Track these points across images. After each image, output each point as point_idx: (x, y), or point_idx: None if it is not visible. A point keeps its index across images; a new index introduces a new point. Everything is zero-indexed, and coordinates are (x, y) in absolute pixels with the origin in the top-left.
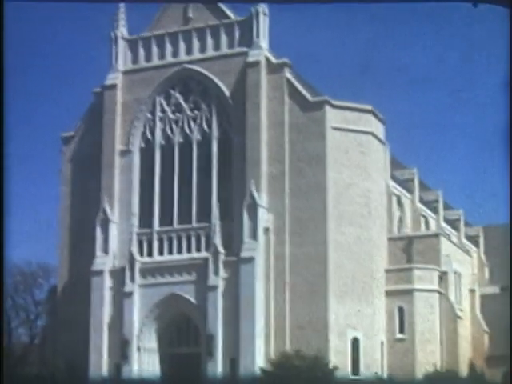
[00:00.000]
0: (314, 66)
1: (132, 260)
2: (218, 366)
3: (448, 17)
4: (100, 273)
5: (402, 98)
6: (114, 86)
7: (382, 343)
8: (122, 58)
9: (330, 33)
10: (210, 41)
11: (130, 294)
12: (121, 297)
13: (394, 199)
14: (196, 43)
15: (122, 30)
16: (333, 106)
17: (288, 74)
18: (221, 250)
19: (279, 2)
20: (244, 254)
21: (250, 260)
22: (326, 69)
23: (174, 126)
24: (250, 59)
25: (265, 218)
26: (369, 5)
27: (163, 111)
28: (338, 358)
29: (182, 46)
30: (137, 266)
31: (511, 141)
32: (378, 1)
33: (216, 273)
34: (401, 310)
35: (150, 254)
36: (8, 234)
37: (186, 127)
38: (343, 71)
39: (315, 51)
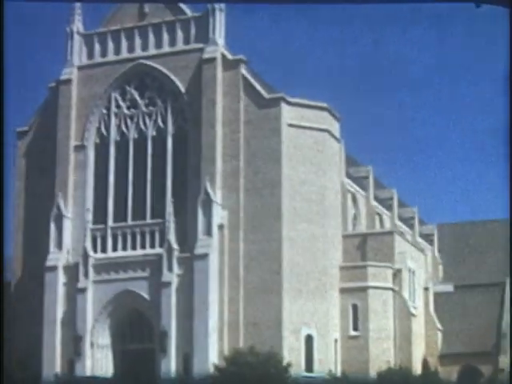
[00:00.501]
0: (271, 64)
1: (86, 256)
2: (171, 362)
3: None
4: (54, 268)
5: (359, 97)
6: (69, 81)
7: (335, 340)
8: (78, 53)
9: (295, 31)
10: (165, 37)
11: (84, 290)
12: (74, 293)
13: (349, 196)
14: (152, 39)
15: (78, 25)
16: (288, 103)
17: (244, 71)
18: (175, 246)
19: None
20: (198, 250)
21: (204, 256)
22: (284, 67)
23: (129, 122)
24: (206, 55)
25: (219, 214)
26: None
27: (118, 107)
28: (292, 355)
29: (137, 41)
30: (90, 262)
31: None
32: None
33: (170, 269)
34: (355, 307)
35: (103, 249)
36: None
37: (141, 123)
38: (303, 70)
39: (272, 49)
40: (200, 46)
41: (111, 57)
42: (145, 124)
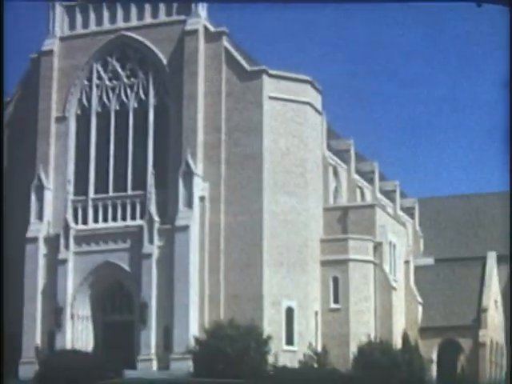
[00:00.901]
0: (253, 37)
1: (67, 227)
2: (151, 334)
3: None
4: (34, 240)
5: (341, 70)
6: (50, 52)
7: (316, 313)
8: (60, 24)
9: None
10: (148, 8)
11: (65, 262)
12: (55, 264)
13: (330, 169)
14: (134, 10)
15: None
16: (270, 76)
17: (226, 44)
18: (156, 218)
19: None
20: (179, 222)
21: (185, 228)
22: (266, 40)
23: (110, 94)
24: (188, 27)
25: (200, 186)
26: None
27: (100, 78)
28: (272, 328)
29: (119, 12)
30: (71, 234)
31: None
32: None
33: (151, 241)
34: (335, 280)
35: (84, 221)
36: None
37: (123, 95)
38: (284, 43)
39: (256, 22)
40: (182, 17)
41: (93, 28)
42: (126, 96)
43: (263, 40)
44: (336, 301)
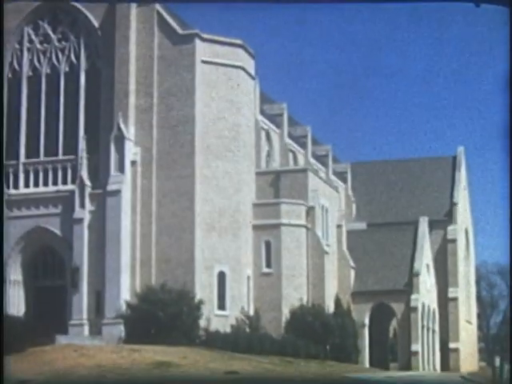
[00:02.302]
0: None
1: None
2: (83, 298)
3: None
4: None
5: (274, 33)
6: None
7: (248, 277)
8: None
9: None
10: None
11: None
12: None
13: (263, 134)
14: None
15: None
16: (203, 40)
17: (158, 7)
18: (87, 182)
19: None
20: (110, 187)
21: (117, 193)
22: (198, 4)
23: (41, 57)
24: None
25: (132, 151)
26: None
27: (31, 41)
28: (204, 292)
29: None
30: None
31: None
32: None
33: (82, 206)
34: (268, 244)
35: (15, 186)
36: None
37: (54, 58)
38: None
39: None
40: None
41: None
42: (57, 59)
43: (196, 5)
44: (268, 265)
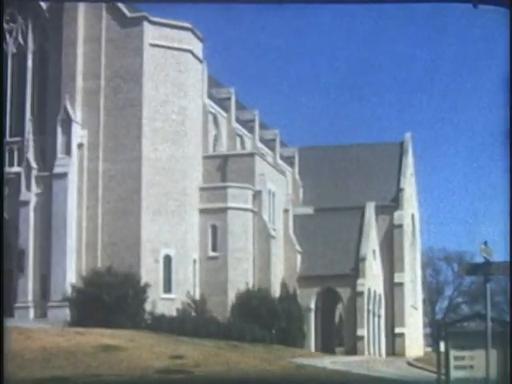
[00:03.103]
0: None
1: None
2: (28, 281)
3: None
4: None
5: (225, 17)
6: None
7: (194, 261)
8: None
9: None
10: None
11: None
12: None
13: (210, 118)
14: None
15: None
16: (151, 23)
17: None
18: (34, 165)
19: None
20: (57, 169)
21: (63, 176)
22: None
23: None
24: None
25: (79, 133)
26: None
27: None
28: (150, 276)
29: None
30: None
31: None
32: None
33: (28, 188)
34: (214, 228)
35: None
36: None
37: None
38: None
39: None
40: None
41: None
42: (5, 41)
43: None
44: (214, 249)
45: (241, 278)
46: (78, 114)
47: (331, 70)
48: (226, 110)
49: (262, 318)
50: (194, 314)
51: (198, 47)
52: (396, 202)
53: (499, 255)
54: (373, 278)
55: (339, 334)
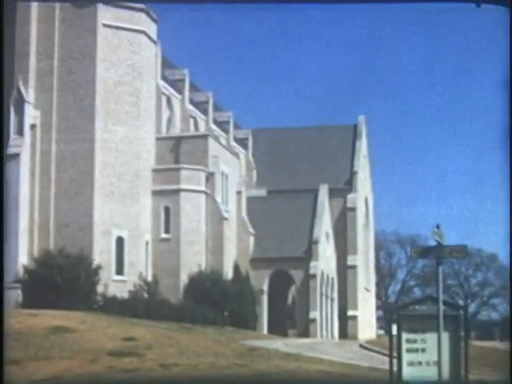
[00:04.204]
0: None
1: None
2: None
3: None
4: None
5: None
6: None
7: (146, 243)
8: None
9: None
10: None
11: None
12: None
13: (164, 99)
14: None
15: None
16: (105, 3)
17: None
18: None
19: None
20: (10, 150)
21: (16, 157)
22: None
23: None
24: None
25: (32, 114)
26: None
27: None
28: (103, 257)
29: None
30: None
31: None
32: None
33: None
34: (167, 209)
35: None
36: None
37: None
38: None
39: None
40: None
41: None
42: None
43: None
44: (167, 231)
45: (193, 259)
46: (30, 94)
47: (286, 50)
48: (180, 91)
49: (215, 299)
50: (146, 295)
51: (152, 28)
52: (349, 185)
53: (454, 238)
54: (326, 261)
55: (292, 317)
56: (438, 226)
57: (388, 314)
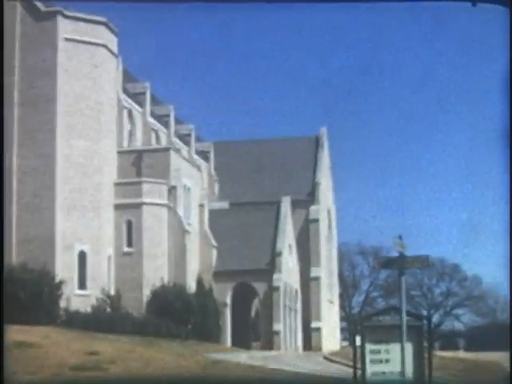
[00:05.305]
0: None
1: None
2: None
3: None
4: None
5: (139, 11)
6: None
7: (109, 257)
8: None
9: None
10: None
11: None
12: None
13: (125, 112)
14: None
15: None
16: (66, 17)
17: None
18: None
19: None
20: None
21: None
22: None
23: None
24: None
25: None
26: None
27: None
28: (65, 272)
29: None
30: None
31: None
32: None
33: None
34: (129, 223)
35: None
36: None
37: None
38: None
39: None
40: None
41: None
42: None
43: None
44: (129, 244)
45: (156, 273)
46: None
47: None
48: (141, 104)
49: (178, 313)
50: (108, 309)
51: (112, 41)
52: (312, 197)
53: (416, 249)
54: (289, 273)
55: (255, 329)
56: (400, 237)
57: (352, 325)
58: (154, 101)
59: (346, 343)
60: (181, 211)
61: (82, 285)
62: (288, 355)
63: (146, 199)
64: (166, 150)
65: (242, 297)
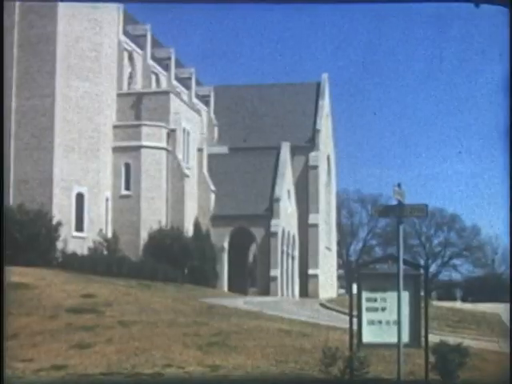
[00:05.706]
0: None
1: None
2: None
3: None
4: None
5: None
6: None
7: (107, 199)
8: None
9: None
10: None
11: None
12: None
13: (126, 55)
14: None
15: None
16: None
17: None
18: None
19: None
20: None
21: None
22: None
23: None
24: None
25: None
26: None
27: None
28: (62, 214)
29: None
30: None
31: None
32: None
33: None
34: (127, 166)
35: None
36: None
37: None
38: None
39: None
40: None
41: None
42: None
43: None
44: (127, 187)
45: (153, 216)
46: None
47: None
48: (142, 47)
49: (175, 257)
50: (105, 252)
51: None
52: (311, 143)
53: (415, 199)
54: (287, 219)
55: (252, 275)
56: (399, 185)
57: (349, 273)
58: (155, 43)
59: (342, 291)
60: (180, 155)
61: (79, 227)
62: (284, 301)
63: (144, 142)
64: (166, 93)
65: (240, 242)
